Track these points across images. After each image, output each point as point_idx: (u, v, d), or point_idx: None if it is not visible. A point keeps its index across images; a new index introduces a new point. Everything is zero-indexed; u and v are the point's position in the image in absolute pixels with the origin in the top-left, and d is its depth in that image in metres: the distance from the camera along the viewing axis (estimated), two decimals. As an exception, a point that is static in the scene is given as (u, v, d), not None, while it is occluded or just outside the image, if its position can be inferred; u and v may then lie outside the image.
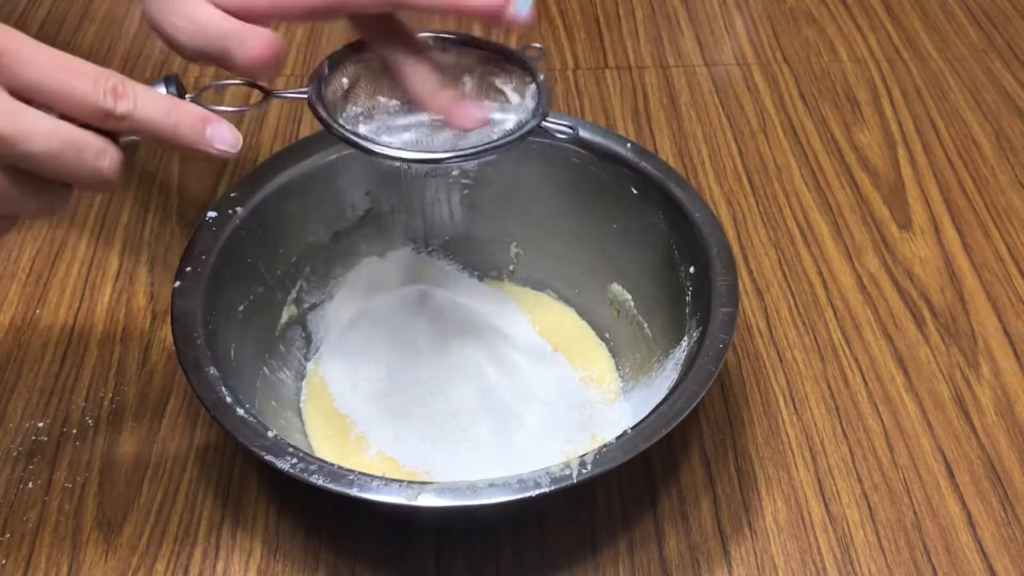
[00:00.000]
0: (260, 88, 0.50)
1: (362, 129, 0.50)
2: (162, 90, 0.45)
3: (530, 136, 0.51)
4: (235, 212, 0.58)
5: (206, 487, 0.58)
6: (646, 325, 0.62)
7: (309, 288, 0.64)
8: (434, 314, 0.61)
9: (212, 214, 0.57)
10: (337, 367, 0.63)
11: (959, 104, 0.87)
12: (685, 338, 0.56)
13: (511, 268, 0.68)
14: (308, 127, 0.82)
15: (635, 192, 0.60)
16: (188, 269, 0.55)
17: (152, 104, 0.43)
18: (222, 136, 0.45)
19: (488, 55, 0.53)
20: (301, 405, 0.61)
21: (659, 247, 0.60)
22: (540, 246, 0.67)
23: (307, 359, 0.64)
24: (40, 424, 0.61)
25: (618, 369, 0.64)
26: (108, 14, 0.97)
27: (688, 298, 0.57)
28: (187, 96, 0.46)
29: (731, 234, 0.74)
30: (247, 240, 0.58)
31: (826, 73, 0.90)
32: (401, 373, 0.60)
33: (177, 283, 0.54)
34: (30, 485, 0.58)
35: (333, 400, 0.61)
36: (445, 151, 0.49)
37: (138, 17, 0.96)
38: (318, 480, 0.46)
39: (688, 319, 0.56)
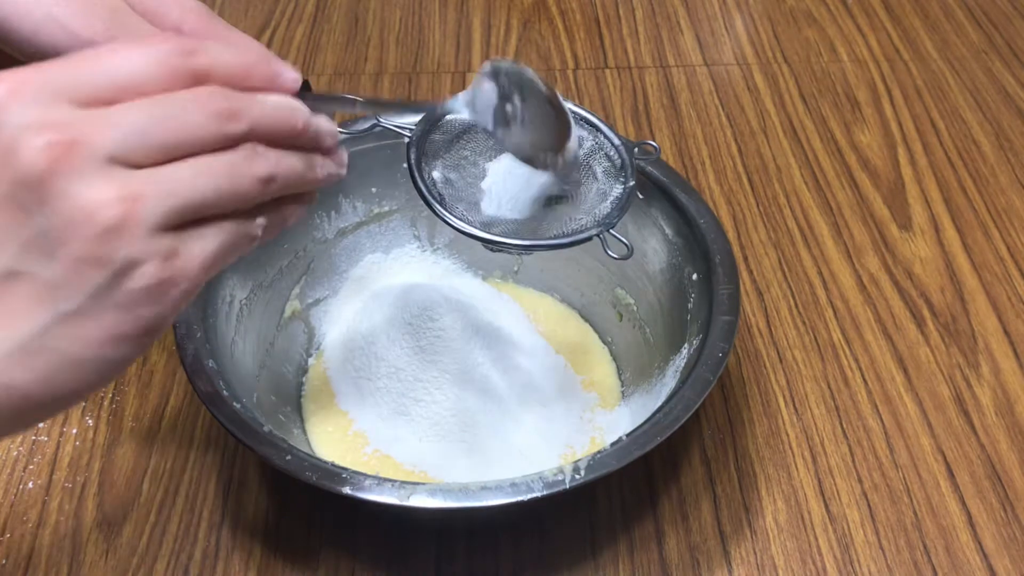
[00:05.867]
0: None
1: (441, 178, 0.48)
2: None
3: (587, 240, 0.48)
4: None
5: (206, 487, 0.58)
6: (648, 330, 0.62)
7: (312, 284, 0.64)
8: (436, 313, 0.61)
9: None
10: (338, 364, 0.63)
11: (959, 104, 0.87)
12: (685, 345, 0.56)
13: (515, 269, 0.68)
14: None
15: (640, 197, 0.60)
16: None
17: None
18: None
19: (601, 136, 0.52)
20: (301, 400, 0.61)
21: (663, 253, 0.60)
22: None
23: (308, 354, 0.64)
24: (40, 424, 0.61)
25: (619, 373, 0.64)
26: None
27: (690, 305, 0.57)
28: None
29: (731, 234, 0.74)
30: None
31: (826, 73, 0.90)
32: (402, 371, 0.60)
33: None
34: (30, 485, 0.58)
35: (333, 396, 0.61)
36: (505, 237, 0.48)
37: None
38: (311, 477, 0.46)
39: (689, 325, 0.56)
